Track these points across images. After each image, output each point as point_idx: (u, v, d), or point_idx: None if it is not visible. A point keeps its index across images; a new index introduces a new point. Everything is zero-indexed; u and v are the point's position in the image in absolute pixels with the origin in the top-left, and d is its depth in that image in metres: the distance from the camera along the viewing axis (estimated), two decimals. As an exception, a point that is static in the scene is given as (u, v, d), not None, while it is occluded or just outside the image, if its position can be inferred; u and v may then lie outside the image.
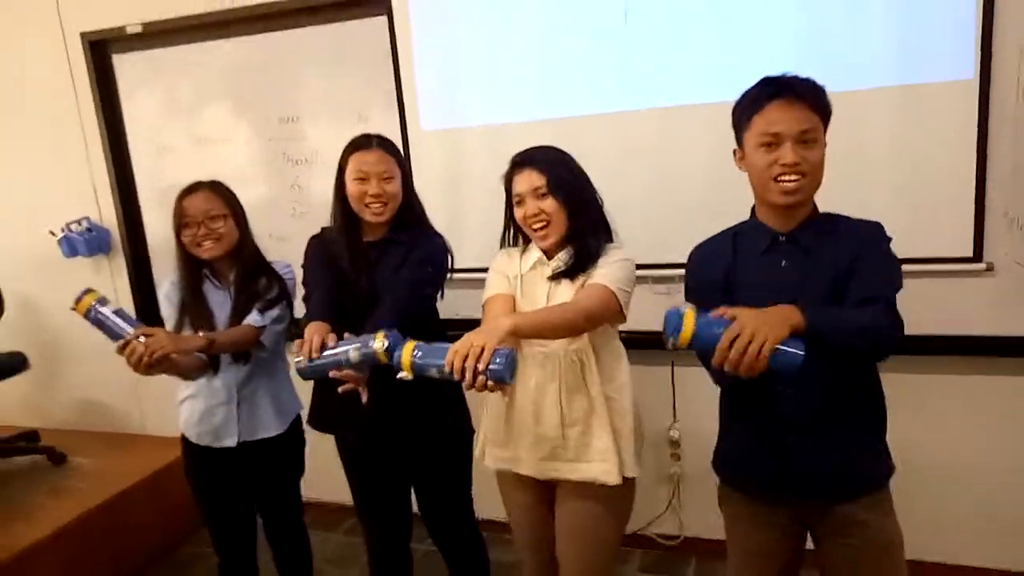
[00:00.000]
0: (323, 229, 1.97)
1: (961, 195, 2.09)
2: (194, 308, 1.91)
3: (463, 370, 1.35)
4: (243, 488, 2.05)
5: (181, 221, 1.89)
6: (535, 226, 1.64)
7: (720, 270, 1.49)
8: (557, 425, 1.65)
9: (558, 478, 1.69)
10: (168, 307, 1.97)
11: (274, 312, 1.94)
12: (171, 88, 2.91)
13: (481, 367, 1.35)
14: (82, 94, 3.01)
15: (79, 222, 3.07)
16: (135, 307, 3.13)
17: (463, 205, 2.50)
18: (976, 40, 2.00)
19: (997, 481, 2.27)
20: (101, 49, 2.95)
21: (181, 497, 2.98)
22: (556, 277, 1.65)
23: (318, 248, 1.93)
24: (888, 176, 2.11)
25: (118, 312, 1.74)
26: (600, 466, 1.64)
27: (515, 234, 1.78)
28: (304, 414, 2.10)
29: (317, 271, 1.88)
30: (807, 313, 1.27)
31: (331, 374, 1.59)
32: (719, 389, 1.59)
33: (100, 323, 1.72)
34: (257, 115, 2.79)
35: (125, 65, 2.96)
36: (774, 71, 1.45)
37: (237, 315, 1.92)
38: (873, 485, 1.48)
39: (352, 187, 1.83)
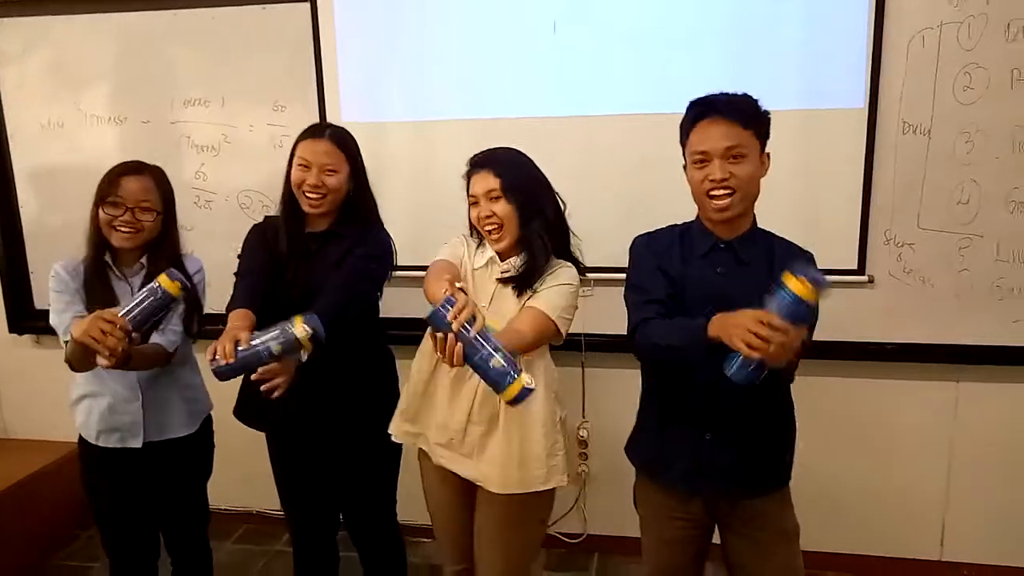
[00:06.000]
0: (266, 218, 1.92)
1: (848, 213, 2.30)
2: (103, 296, 1.74)
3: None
4: (147, 494, 1.90)
5: (110, 198, 1.72)
6: (488, 228, 1.65)
7: (670, 264, 1.55)
8: (463, 420, 1.66)
9: (446, 467, 1.71)
10: (61, 287, 1.76)
11: (180, 328, 1.81)
12: (60, 58, 2.66)
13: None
14: (-51, 59, 2.70)
15: (-62, 200, 2.75)
16: (4, 294, 2.86)
17: (383, 202, 2.44)
18: (867, 71, 2.21)
19: (874, 474, 2.49)
20: (-26, 9, 2.66)
21: (50, 506, 2.75)
22: (505, 281, 1.67)
23: (257, 236, 1.87)
24: (786, 192, 2.26)
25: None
26: (488, 469, 1.66)
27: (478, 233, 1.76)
28: (215, 413, 2.00)
29: (251, 258, 1.82)
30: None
31: (255, 376, 1.53)
32: (628, 389, 1.67)
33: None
34: (159, 95, 2.61)
35: (4, 29, 2.68)
36: (692, 87, 1.53)
37: None
38: (776, 483, 1.61)
39: (294, 172, 1.79)
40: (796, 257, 1.52)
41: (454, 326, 1.34)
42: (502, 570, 1.74)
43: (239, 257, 1.86)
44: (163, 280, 1.59)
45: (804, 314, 1.25)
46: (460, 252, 1.74)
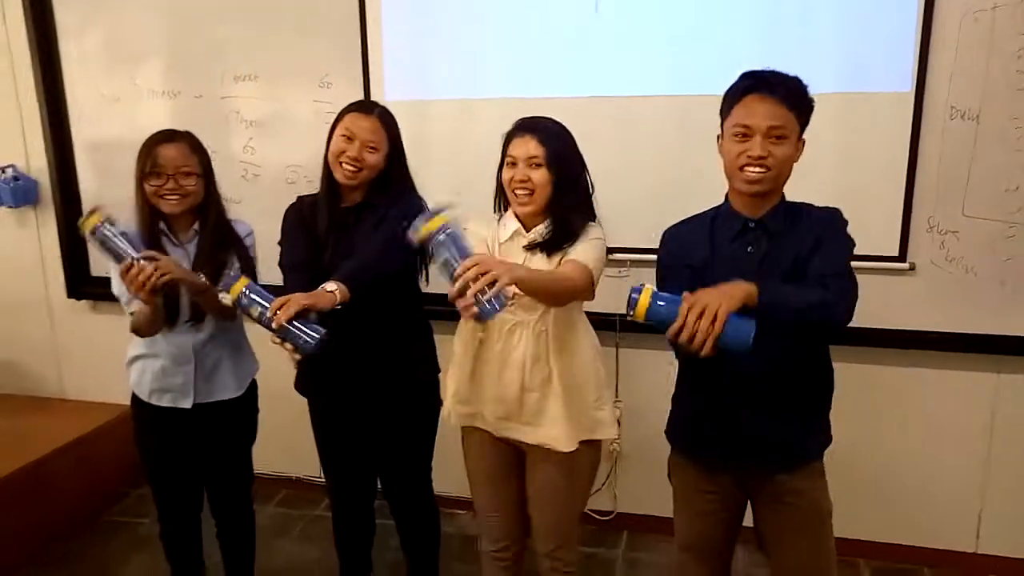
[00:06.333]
0: (299, 198, 1.96)
1: (891, 199, 2.26)
2: None
3: (464, 289, 1.37)
4: (194, 452, 1.99)
5: (150, 169, 1.80)
6: (518, 191, 1.68)
7: (695, 255, 1.56)
8: (517, 389, 1.71)
9: (511, 438, 1.76)
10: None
11: None
12: (118, 32, 2.76)
13: (484, 295, 1.37)
14: (13, 31, 2.82)
15: (3, 170, 2.88)
16: (63, 261, 2.98)
17: (422, 179, 2.50)
18: (915, 54, 2.17)
19: (910, 463, 2.47)
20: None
21: (103, 464, 2.89)
22: (533, 248, 1.70)
23: (294, 218, 1.92)
24: (827, 176, 2.23)
25: (124, 234, 1.68)
26: (551, 431, 1.71)
27: (499, 198, 1.80)
28: (260, 376, 2.08)
29: (292, 247, 1.88)
30: (760, 287, 1.34)
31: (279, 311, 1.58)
32: (661, 369, 1.69)
33: (104, 243, 1.66)
34: (211, 70, 2.68)
35: (65, 3, 2.78)
36: (732, 68, 1.53)
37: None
38: (812, 456, 1.61)
39: (335, 142, 1.82)
40: (823, 222, 1.51)
41: (482, 297, 1.37)
42: (554, 523, 1.80)
43: (280, 241, 1.92)
44: (91, 219, 1.66)
45: (654, 318, 1.36)
46: (484, 233, 1.77)
